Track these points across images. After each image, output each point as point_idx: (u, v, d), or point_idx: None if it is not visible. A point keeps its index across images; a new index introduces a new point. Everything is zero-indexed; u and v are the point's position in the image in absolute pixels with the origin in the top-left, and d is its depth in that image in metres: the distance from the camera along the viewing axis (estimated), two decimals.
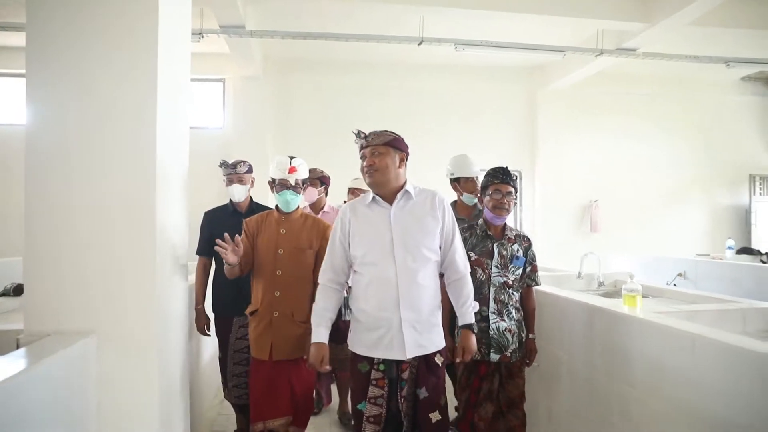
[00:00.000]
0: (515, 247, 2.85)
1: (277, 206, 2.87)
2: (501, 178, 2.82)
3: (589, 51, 6.72)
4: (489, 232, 2.86)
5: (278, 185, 2.80)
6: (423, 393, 2.29)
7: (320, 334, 2.34)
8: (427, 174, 5.12)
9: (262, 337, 2.72)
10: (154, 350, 2.12)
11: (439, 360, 2.34)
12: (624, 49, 6.76)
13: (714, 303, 3.08)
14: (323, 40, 6.34)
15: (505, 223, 2.89)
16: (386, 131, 2.37)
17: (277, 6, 6.23)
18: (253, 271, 2.83)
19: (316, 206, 3.99)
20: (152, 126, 2.12)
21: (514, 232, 2.92)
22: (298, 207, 2.87)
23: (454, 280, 2.42)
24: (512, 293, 2.80)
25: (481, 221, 2.93)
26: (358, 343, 2.34)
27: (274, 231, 2.80)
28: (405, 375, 2.28)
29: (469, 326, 2.40)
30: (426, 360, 2.31)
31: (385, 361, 2.28)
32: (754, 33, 6.48)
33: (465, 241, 2.78)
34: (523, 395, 2.80)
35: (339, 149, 5.80)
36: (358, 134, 2.40)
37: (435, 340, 2.33)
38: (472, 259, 2.79)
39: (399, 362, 2.28)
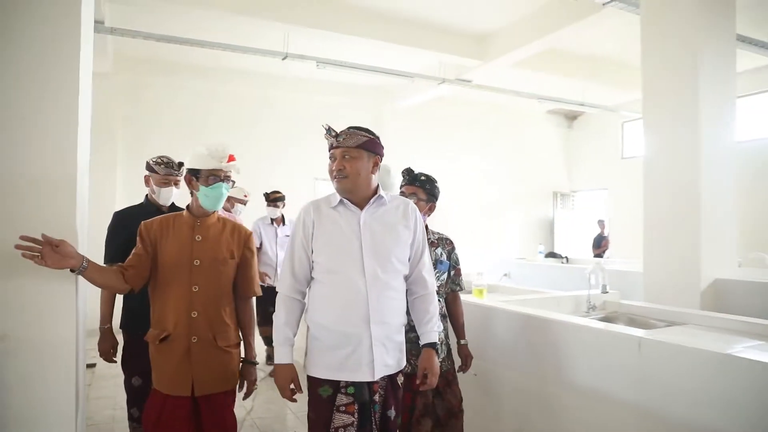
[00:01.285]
0: (438, 251, 2.66)
1: (189, 207, 2.34)
2: (408, 180, 2.71)
3: (433, 79, 7.66)
4: None
5: (210, 177, 2.24)
6: (392, 413, 2.10)
7: (285, 353, 2.04)
8: (281, 181, 5.51)
9: (179, 369, 2.18)
10: (71, 353, 2.08)
11: (400, 380, 2.16)
12: (462, 79, 7.82)
13: (536, 294, 3.91)
14: (188, 46, 6.35)
15: (426, 226, 2.60)
16: (360, 129, 2.09)
17: (136, 5, 6.10)
18: (154, 287, 2.27)
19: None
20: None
21: (437, 235, 2.72)
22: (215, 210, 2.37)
23: (420, 296, 2.19)
24: (438, 300, 2.55)
25: None
26: (319, 365, 2.02)
27: (186, 238, 2.26)
28: (376, 397, 2.04)
29: (432, 345, 2.14)
30: (391, 379, 2.11)
31: (354, 384, 1.99)
32: (559, 78, 8.02)
33: None
34: (461, 404, 2.66)
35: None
36: (329, 131, 2.10)
37: (401, 359, 2.12)
38: None
39: (370, 384, 2.02)
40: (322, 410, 1.99)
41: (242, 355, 2.37)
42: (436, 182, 2.70)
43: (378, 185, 2.14)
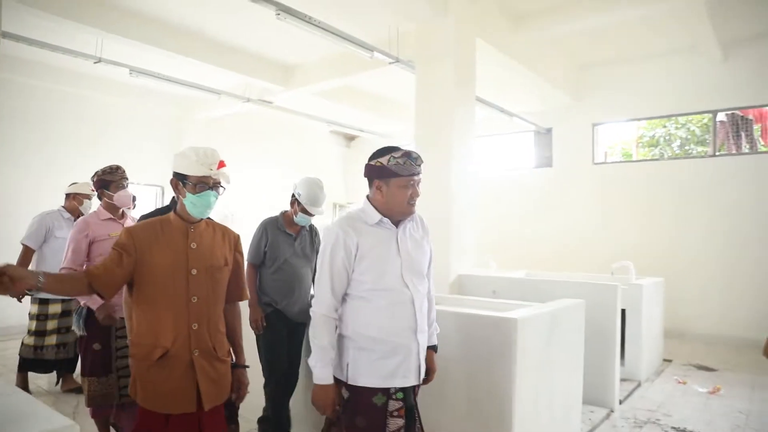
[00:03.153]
0: None
1: (176, 211, 2.22)
2: None
3: (239, 97, 8.47)
4: None
5: (198, 184, 2.13)
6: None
7: (327, 373, 2.09)
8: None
9: (182, 384, 2.09)
10: None
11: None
12: (264, 100, 8.78)
13: None
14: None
15: None
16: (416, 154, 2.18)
17: None
18: (139, 300, 2.14)
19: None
20: None
21: None
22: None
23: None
24: None
25: None
26: (372, 374, 2.10)
27: (180, 245, 2.15)
28: (416, 400, 2.25)
29: (433, 347, 2.36)
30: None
31: (403, 389, 2.14)
32: (344, 106, 9.60)
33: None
34: None
35: None
36: (417, 159, 2.15)
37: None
38: None
39: (413, 387, 2.21)
40: (377, 417, 2.07)
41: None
42: None
43: None
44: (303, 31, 5.37)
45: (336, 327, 2.16)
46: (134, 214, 3.68)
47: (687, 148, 9.58)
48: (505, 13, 6.71)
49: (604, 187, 9.02)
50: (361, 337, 2.12)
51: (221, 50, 7.45)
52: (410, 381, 2.14)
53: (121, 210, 3.50)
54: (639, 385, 5.34)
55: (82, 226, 3.31)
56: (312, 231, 3.69)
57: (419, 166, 2.14)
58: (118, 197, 3.39)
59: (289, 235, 3.52)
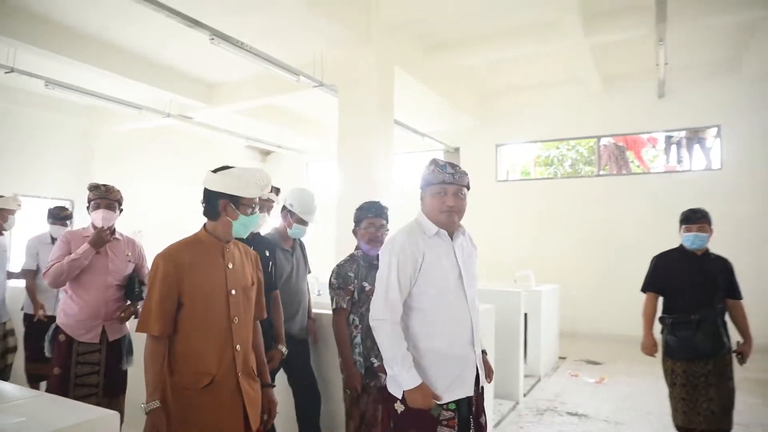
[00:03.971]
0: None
1: (207, 230, 2.15)
2: (374, 212, 2.98)
3: (160, 113, 8.45)
4: (375, 262, 2.82)
5: (251, 205, 2.13)
6: (484, 419, 2.22)
7: (415, 374, 2.02)
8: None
9: (232, 411, 2.03)
10: None
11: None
12: (185, 116, 8.81)
13: None
14: None
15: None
16: (464, 170, 2.18)
17: None
18: (182, 324, 2.03)
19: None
20: None
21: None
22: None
23: None
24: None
25: (359, 252, 3.00)
26: (430, 386, 2.06)
27: (219, 266, 2.10)
28: (474, 409, 2.17)
29: (483, 352, 2.33)
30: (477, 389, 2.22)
31: (456, 401, 2.10)
32: (262, 123, 9.83)
33: (354, 271, 2.91)
34: None
35: None
36: (445, 167, 2.14)
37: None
38: (367, 289, 2.85)
39: (469, 399, 2.15)
40: (429, 428, 2.05)
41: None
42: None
43: None
44: (233, 54, 5.60)
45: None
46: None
47: (577, 168, 10.71)
48: (420, 43, 7.36)
49: (505, 203, 9.90)
50: (422, 348, 2.09)
51: (143, 65, 7.45)
52: (464, 392, 2.11)
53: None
54: (539, 379, 6.03)
55: (69, 237, 3.14)
56: (301, 244, 3.48)
57: (451, 174, 2.11)
58: (93, 217, 3.17)
59: (286, 251, 3.28)
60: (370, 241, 2.93)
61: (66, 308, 3.08)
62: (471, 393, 2.13)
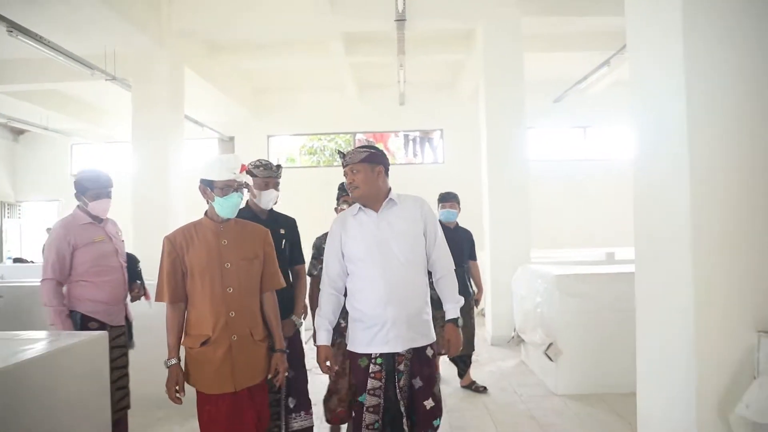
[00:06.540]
0: None
1: (207, 214, 2.46)
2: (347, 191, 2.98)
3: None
4: None
5: (224, 188, 2.36)
6: (418, 383, 2.41)
7: (324, 337, 2.43)
8: None
9: (222, 366, 2.33)
10: None
11: (429, 353, 2.45)
12: None
13: None
14: None
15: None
16: (362, 148, 2.46)
17: None
18: (191, 296, 2.39)
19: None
20: None
21: None
22: None
23: (439, 278, 2.52)
24: None
25: None
26: (357, 341, 2.43)
27: (213, 243, 2.39)
28: (401, 367, 2.39)
29: (454, 321, 2.47)
30: (418, 352, 2.42)
31: (382, 355, 2.38)
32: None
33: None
34: None
35: None
36: (340, 154, 2.51)
37: (425, 334, 2.44)
38: None
39: (395, 355, 2.39)
40: (360, 376, 2.41)
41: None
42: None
43: (390, 189, 2.49)
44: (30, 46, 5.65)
45: (336, 300, 2.52)
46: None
47: (335, 157, 12.58)
48: (205, 46, 8.20)
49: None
50: (352, 308, 2.47)
51: None
52: (388, 348, 2.36)
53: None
54: None
55: (61, 232, 2.99)
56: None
57: (343, 160, 2.48)
58: (93, 207, 3.10)
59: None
60: None
61: (90, 296, 3.02)
62: (395, 350, 2.37)
